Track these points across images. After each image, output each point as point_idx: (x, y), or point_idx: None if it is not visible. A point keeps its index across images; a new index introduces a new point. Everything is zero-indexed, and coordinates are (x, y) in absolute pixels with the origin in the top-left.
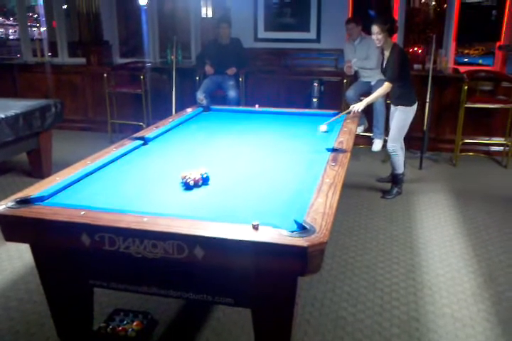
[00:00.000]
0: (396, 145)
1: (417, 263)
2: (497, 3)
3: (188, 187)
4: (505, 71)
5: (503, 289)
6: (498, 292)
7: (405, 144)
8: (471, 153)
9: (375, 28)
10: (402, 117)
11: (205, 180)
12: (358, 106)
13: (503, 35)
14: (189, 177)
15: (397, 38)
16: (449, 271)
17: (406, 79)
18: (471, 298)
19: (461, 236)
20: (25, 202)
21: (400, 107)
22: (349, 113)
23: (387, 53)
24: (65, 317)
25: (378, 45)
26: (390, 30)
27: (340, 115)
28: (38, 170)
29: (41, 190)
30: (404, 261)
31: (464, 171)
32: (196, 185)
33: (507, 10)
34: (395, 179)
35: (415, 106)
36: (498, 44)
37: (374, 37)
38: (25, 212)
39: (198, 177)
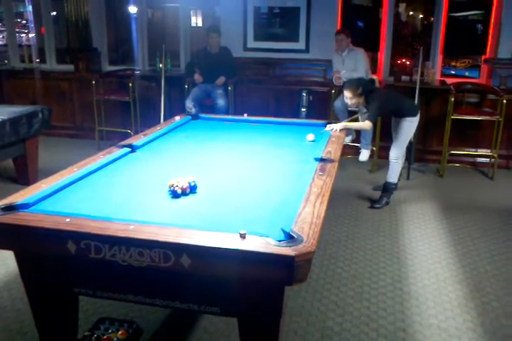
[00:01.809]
0: (399, 154)
1: (404, 273)
2: (483, 17)
3: (175, 195)
4: (491, 84)
5: (489, 299)
6: (483, 302)
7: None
8: (457, 165)
9: (346, 94)
10: (406, 127)
11: (192, 189)
12: (336, 127)
13: (488, 48)
14: (177, 186)
15: (384, 50)
16: (436, 281)
17: (400, 105)
18: (457, 309)
19: (448, 246)
20: (10, 208)
21: (404, 118)
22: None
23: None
24: (49, 326)
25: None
26: (362, 93)
27: (323, 131)
28: (24, 176)
29: (26, 197)
30: (392, 271)
31: (451, 182)
32: (184, 193)
33: (492, 24)
34: (386, 188)
35: (418, 116)
36: (483, 57)
37: (347, 101)
38: (10, 218)
39: (185, 185)
